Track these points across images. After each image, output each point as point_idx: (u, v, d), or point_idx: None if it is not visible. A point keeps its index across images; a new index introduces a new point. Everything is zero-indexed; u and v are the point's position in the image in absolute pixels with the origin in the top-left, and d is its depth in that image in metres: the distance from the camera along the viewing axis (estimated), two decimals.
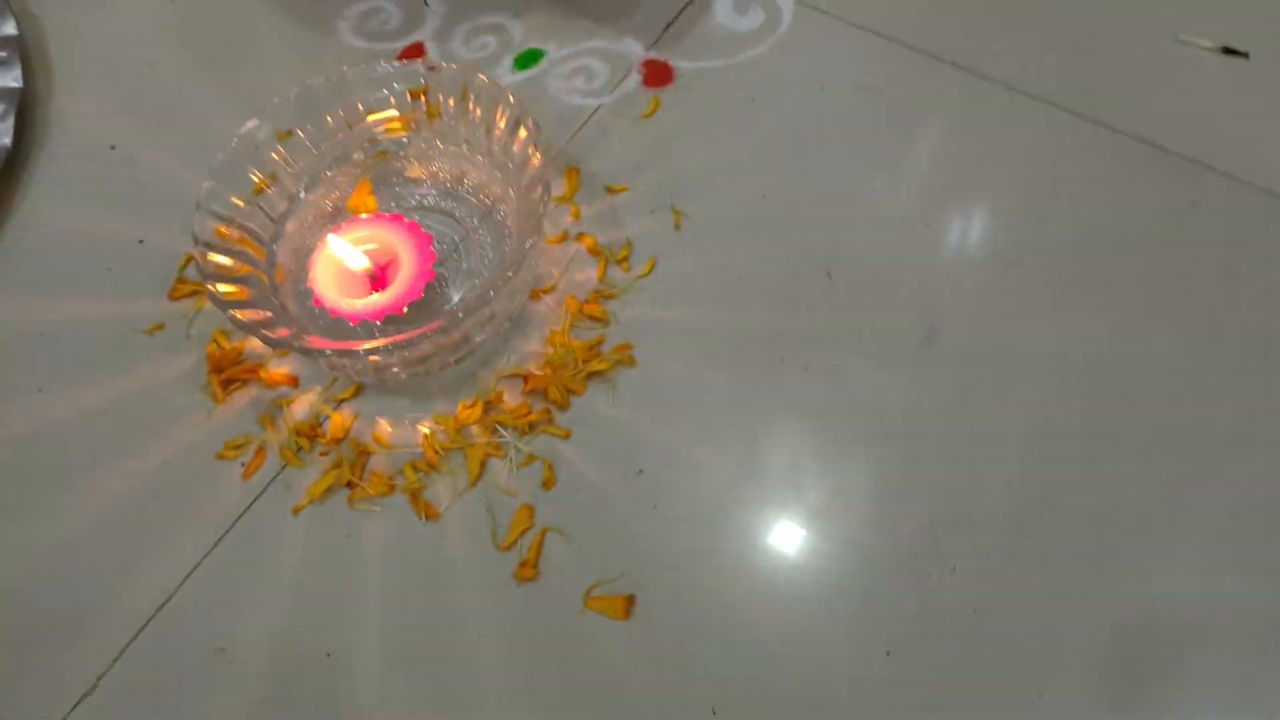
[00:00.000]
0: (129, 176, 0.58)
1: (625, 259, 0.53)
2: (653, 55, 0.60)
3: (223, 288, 0.46)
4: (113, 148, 0.60)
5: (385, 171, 0.55)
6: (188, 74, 0.62)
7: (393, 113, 0.54)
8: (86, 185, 0.58)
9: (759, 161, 0.55)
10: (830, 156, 0.55)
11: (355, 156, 0.54)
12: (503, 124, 0.51)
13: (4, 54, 0.61)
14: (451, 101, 0.53)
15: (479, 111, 0.52)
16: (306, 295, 0.49)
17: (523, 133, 0.50)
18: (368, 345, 0.43)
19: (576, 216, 0.54)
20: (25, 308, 0.54)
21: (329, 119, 0.53)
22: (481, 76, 0.51)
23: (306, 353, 0.44)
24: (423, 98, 0.53)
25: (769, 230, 0.53)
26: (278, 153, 0.52)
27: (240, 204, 0.50)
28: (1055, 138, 0.55)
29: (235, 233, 0.49)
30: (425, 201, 0.54)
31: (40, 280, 0.55)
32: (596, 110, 0.58)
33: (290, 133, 0.52)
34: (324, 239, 0.48)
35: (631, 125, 0.57)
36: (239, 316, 0.44)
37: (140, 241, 0.55)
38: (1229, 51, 0.55)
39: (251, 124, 0.51)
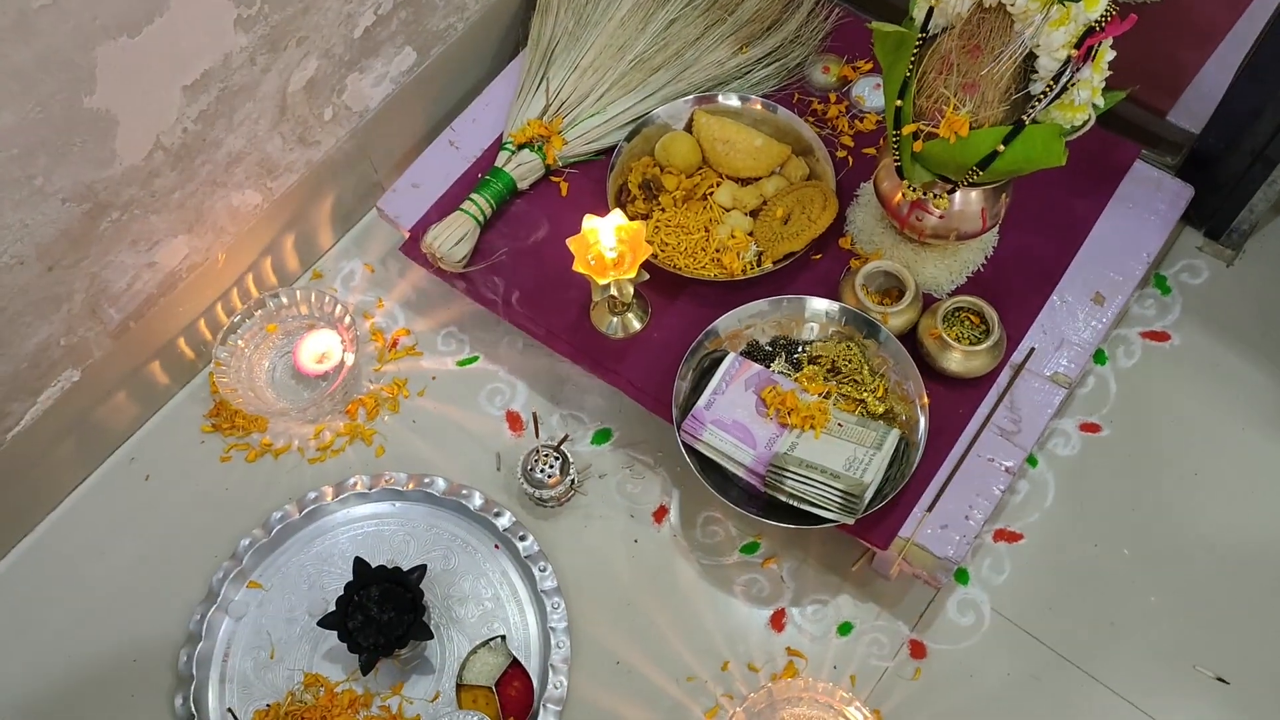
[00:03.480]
0: (632, 682, 1.08)
1: None
2: (914, 636, 1.10)
3: None
4: (617, 663, 1.09)
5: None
6: (650, 618, 1.12)
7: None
8: (607, 681, 1.08)
9: None
10: None
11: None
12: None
13: (557, 599, 1.11)
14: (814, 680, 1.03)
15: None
16: None
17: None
18: None
19: None
20: None
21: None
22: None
23: None
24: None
25: None
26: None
27: None
28: None
29: None
30: None
31: None
32: (885, 671, 1.07)
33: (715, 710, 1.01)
34: None
35: (907, 684, 1.07)
36: None
37: None
38: (1219, 679, 1.05)
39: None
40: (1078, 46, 0.89)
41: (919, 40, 0.97)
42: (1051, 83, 0.91)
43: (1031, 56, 0.92)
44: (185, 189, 1.09)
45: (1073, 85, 0.91)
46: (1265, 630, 1.09)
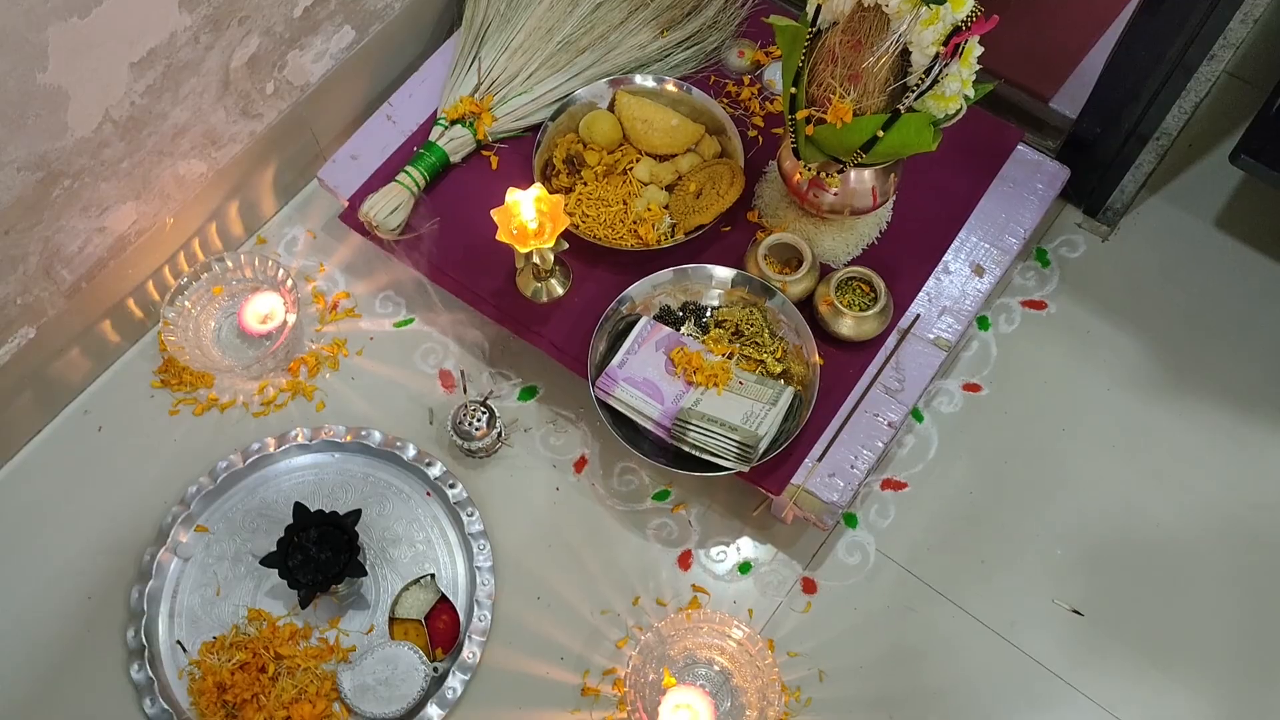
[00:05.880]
0: (551, 615, 1.18)
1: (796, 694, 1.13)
2: (806, 574, 1.21)
3: None
4: (538, 598, 1.20)
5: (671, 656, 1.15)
6: (569, 559, 1.22)
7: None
8: (529, 613, 1.18)
9: (872, 655, 1.17)
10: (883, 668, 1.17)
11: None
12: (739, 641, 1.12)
13: (483, 542, 1.21)
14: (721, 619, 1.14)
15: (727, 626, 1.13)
16: None
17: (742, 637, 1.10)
18: None
19: (776, 679, 1.14)
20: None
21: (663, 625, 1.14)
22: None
23: None
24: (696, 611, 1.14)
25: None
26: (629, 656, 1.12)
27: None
28: None
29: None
30: (698, 672, 1.14)
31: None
32: (779, 606, 1.19)
33: (625, 641, 1.12)
34: (661, 699, 1.08)
35: (798, 617, 1.18)
36: None
37: (561, 657, 1.16)
38: (1075, 611, 1.18)
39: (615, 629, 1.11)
40: (946, 44, 0.99)
41: (809, 34, 1.06)
42: (923, 76, 1.01)
43: (906, 52, 1.02)
44: (133, 159, 1.16)
45: (943, 78, 1.02)
46: (1117, 567, 1.22)
